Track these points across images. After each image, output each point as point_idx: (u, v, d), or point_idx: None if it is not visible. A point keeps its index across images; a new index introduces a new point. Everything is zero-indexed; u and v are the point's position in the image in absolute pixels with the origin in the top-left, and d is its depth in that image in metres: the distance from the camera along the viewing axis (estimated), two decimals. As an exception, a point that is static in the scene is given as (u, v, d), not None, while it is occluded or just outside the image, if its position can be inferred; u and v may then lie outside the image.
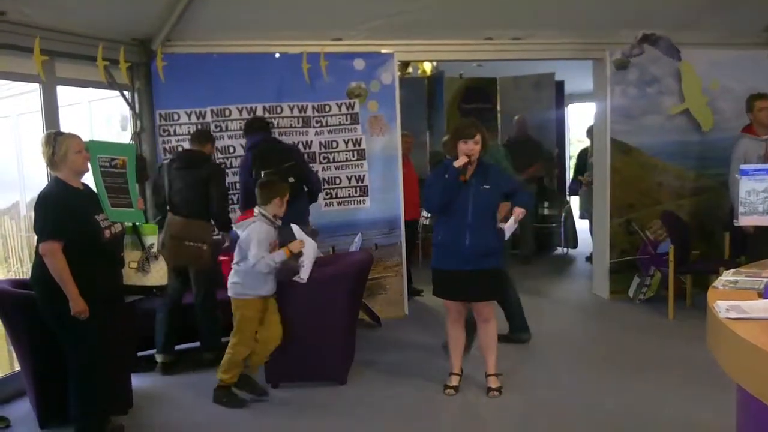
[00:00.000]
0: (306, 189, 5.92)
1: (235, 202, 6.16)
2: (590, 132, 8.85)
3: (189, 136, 5.85)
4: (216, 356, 5.41)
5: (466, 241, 4.49)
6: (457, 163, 4.42)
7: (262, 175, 5.51)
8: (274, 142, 6.01)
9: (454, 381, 4.83)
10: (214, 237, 5.48)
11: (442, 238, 4.63)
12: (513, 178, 4.73)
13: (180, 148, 6.20)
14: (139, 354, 5.53)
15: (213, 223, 5.43)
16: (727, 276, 3.37)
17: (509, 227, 4.51)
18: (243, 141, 6.24)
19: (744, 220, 4.38)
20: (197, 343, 5.64)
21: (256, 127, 5.93)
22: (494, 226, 4.56)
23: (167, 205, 5.41)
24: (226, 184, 5.75)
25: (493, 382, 4.75)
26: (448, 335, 4.88)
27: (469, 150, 4.43)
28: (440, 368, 5.11)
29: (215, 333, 5.50)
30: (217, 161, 6.20)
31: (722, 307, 2.68)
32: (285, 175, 5.59)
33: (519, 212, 4.47)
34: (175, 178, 5.37)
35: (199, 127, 6.25)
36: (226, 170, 6.19)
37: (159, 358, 5.46)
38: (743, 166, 4.31)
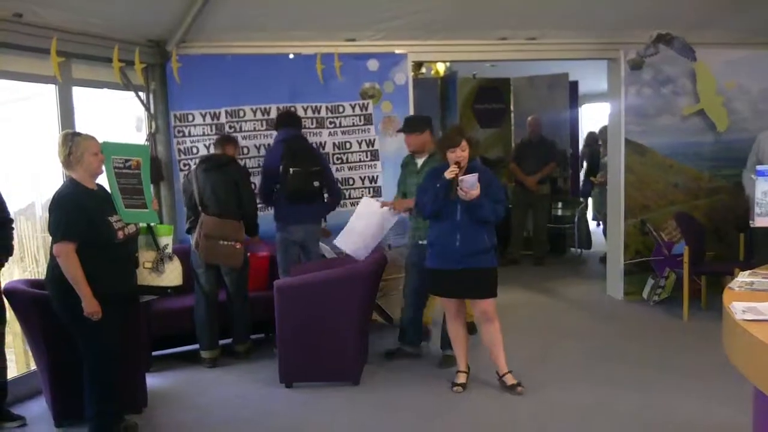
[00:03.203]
0: (326, 195, 5.96)
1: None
2: (603, 132, 8.82)
3: (203, 137, 6.07)
4: (247, 349, 5.67)
5: (457, 242, 4.61)
6: (448, 174, 4.52)
7: (291, 172, 5.61)
8: (305, 141, 6.03)
9: (461, 378, 4.90)
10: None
11: (434, 239, 4.77)
12: (501, 188, 4.85)
13: (195, 149, 6.29)
14: (154, 354, 5.57)
15: (244, 225, 5.52)
16: (743, 277, 3.35)
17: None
18: (257, 141, 6.34)
19: (760, 221, 4.35)
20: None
21: (289, 122, 5.96)
22: (484, 226, 4.63)
23: (199, 206, 5.47)
24: (251, 184, 5.88)
25: (511, 379, 4.79)
26: (449, 333, 4.98)
27: (457, 158, 4.55)
28: (453, 369, 5.11)
29: (247, 328, 5.73)
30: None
31: (738, 308, 2.67)
32: (312, 179, 5.71)
33: (467, 191, 4.44)
34: (205, 179, 5.45)
35: (214, 128, 6.32)
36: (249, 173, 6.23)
37: (205, 354, 5.58)
38: (759, 167, 4.27)
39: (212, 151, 5.89)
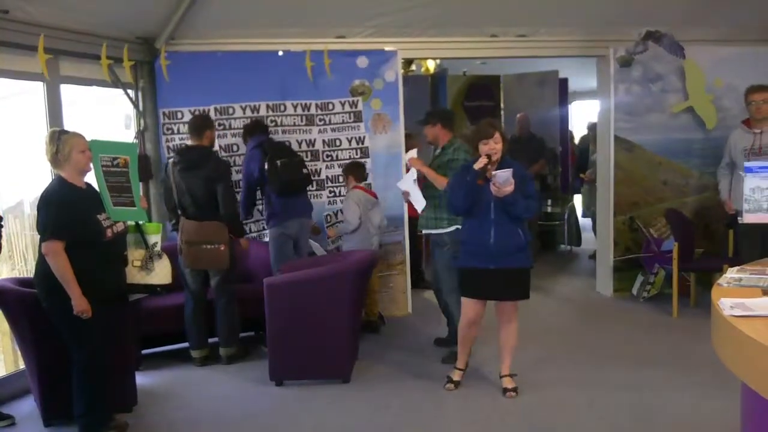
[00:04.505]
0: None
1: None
2: (592, 128, 8.83)
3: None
4: (233, 353, 5.52)
5: (491, 239, 4.44)
6: (477, 165, 4.37)
7: (278, 164, 5.62)
8: (277, 141, 6.12)
9: (456, 376, 4.83)
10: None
11: (466, 236, 4.61)
12: (532, 183, 4.64)
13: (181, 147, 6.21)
14: (143, 352, 5.55)
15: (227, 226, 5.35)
16: (731, 273, 3.36)
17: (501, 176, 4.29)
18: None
19: (748, 218, 4.36)
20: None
21: (257, 130, 6.02)
22: (519, 223, 4.48)
23: (178, 209, 5.39)
24: (231, 181, 5.74)
25: (509, 383, 4.72)
26: (460, 331, 4.80)
27: (490, 150, 4.40)
28: (444, 366, 5.12)
29: (234, 331, 5.58)
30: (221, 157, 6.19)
31: (726, 304, 2.67)
32: (300, 167, 5.82)
33: (499, 187, 4.29)
34: (181, 180, 5.31)
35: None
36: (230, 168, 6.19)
37: (195, 353, 5.51)
38: (747, 164, 4.28)
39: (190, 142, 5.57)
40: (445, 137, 5.31)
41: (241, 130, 6.25)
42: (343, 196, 6.50)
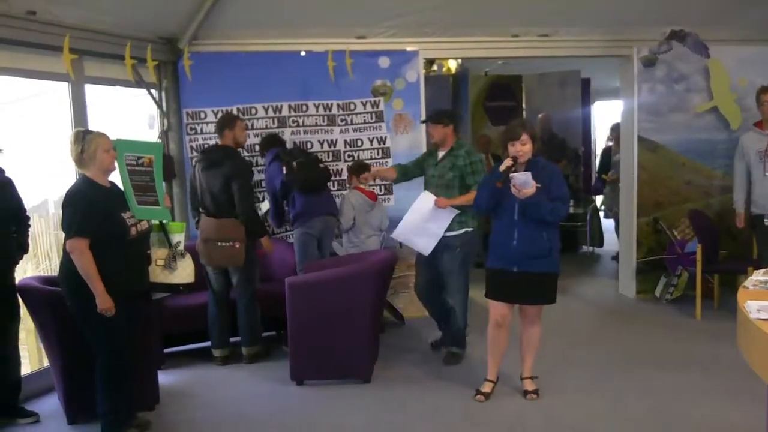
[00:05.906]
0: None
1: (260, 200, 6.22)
2: (615, 130, 8.77)
3: (215, 134, 5.95)
4: (255, 353, 5.52)
5: (514, 241, 4.37)
6: (501, 167, 4.33)
7: (295, 164, 5.69)
8: (290, 147, 6.22)
9: (487, 388, 4.67)
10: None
11: (492, 237, 4.57)
12: (563, 185, 4.46)
13: (206, 146, 6.25)
14: (166, 351, 5.59)
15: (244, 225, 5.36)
16: (757, 276, 3.33)
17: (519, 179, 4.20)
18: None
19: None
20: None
21: (273, 143, 6.12)
22: (544, 226, 4.36)
23: (200, 208, 5.44)
24: (249, 180, 5.76)
25: (530, 385, 4.68)
26: (488, 338, 4.68)
27: (516, 152, 4.32)
28: (464, 367, 5.11)
29: (252, 330, 5.57)
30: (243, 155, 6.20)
31: (753, 307, 2.66)
32: (317, 163, 5.94)
33: (519, 189, 4.19)
34: (202, 178, 5.38)
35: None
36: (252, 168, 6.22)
37: (216, 353, 5.53)
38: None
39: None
40: (452, 140, 5.33)
41: (264, 130, 6.31)
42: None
